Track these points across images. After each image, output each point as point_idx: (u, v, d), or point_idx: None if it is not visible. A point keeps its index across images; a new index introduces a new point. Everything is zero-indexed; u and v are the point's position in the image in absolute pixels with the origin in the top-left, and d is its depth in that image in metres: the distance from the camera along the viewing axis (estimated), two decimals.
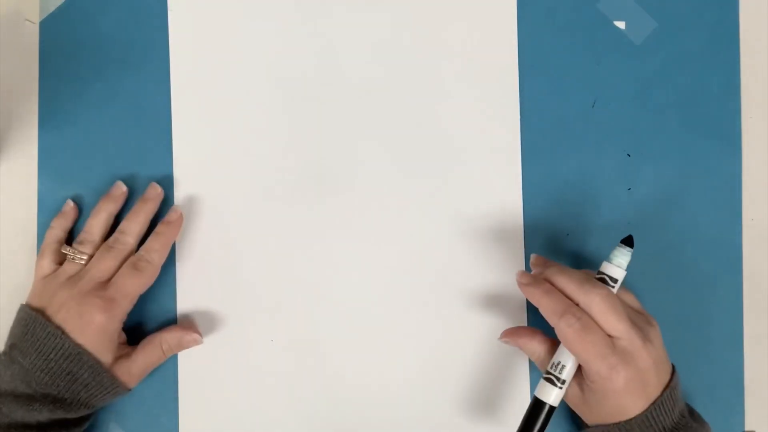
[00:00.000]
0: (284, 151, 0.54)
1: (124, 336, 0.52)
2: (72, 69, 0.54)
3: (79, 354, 0.47)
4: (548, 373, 0.46)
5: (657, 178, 0.54)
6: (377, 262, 0.53)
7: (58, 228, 0.52)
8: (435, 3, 0.54)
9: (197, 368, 0.53)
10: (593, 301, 0.45)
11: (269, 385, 0.53)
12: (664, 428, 0.45)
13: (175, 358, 0.53)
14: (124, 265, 0.50)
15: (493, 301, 0.53)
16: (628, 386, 0.44)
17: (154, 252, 0.51)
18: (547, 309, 0.46)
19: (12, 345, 0.48)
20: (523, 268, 0.54)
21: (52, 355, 0.47)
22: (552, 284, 0.47)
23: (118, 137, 0.53)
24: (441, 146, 0.54)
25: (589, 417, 0.47)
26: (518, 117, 0.54)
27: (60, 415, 0.47)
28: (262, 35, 0.54)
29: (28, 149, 0.54)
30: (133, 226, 0.51)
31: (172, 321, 0.53)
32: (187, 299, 0.53)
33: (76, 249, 0.51)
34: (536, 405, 0.46)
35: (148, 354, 0.51)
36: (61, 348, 0.47)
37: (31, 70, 0.54)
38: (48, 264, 0.51)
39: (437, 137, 0.54)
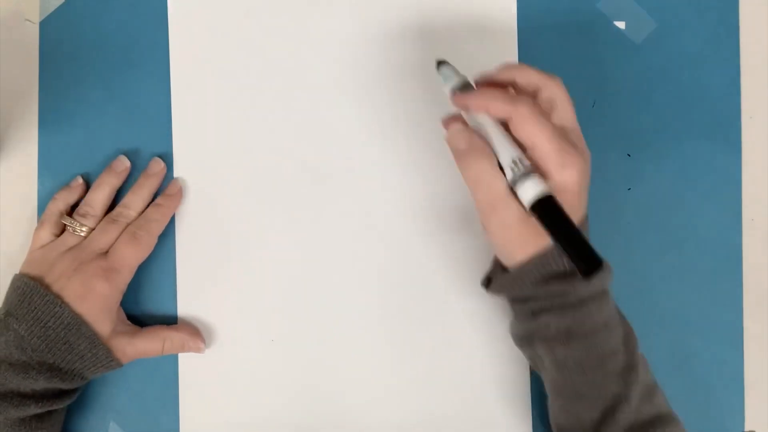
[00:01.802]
0: (284, 151, 0.54)
1: (124, 313, 0.52)
2: (72, 69, 0.54)
3: (77, 324, 0.47)
4: (513, 173, 0.41)
5: (657, 178, 0.54)
6: (377, 262, 0.53)
7: (61, 201, 0.52)
8: (435, 3, 0.54)
9: (197, 368, 0.53)
10: (526, 102, 0.42)
11: (269, 385, 0.53)
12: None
13: (175, 357, 0.53)
14: (123, 234, 0.50)
15: (493, 301, 0.53)
16: (577, 181, 0.42)
17: (154, 222, 0.51)
18: (498, 98, 0.42)
19: (6, 312, 0.48)
20: None
21: (50, 323, 0.47)
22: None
23: (118, 137, 0.53)
24: (441, 146, 0.54)
25: (528, 238, 0.43)
26: None
27: (56, 384, 0.47)
28: (262, 35, 0.54)
29: (28, 149, 0.54)
30: (137, 200, 0.51)
31: (172, 320, 0.53)
32: (187, 299, 0.53)
33: (77, 221, 0.51)
34: (540, 207, 0.40)
35: (148, 343, 0.51)
36: (60, 316, 0.47)
37: (31, 70, 0.54)
38: (46, 234, 0.51)
39: (437, 137, 0.54)
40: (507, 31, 0.54)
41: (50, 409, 0.48)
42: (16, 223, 0.53)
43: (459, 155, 0.44)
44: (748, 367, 0.54)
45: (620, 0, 0.54)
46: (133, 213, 0.51)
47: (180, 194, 0.53)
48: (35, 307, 0.47)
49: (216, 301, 0.53)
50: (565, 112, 0.43)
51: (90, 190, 0.52)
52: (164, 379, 0.53)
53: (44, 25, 0.54)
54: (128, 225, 0.50)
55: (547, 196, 0.40)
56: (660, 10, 0.54)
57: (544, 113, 0.42)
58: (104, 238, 0.50)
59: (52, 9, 0.54)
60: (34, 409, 0.47)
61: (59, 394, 0.48)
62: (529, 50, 0.54)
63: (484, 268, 0.53)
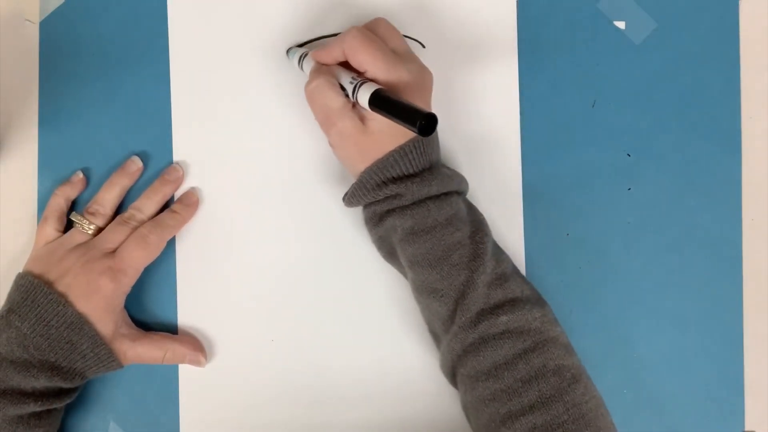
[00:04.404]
0: (285, 151, 0.54)
1: (127, 315, 0.52)
2: (72, 69, 0.54)
3: (80, 323, 0.47)
4: (352, 87, 0.46)
5: (657, 178, 0.54)
6: (377, 261, 0.53)
7: (62, 196, 0.52)
8: (435, 3, 0.54)
9: (197, 368, 0.53)
10: (351, 32, 0.47)
11: (269, 385, 0.53)
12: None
13: None
14: (132, 236, 0.50)
15: None
16: (405, 80, 0.46)
17: (168, 228, 0.51)
18: (330, 43, 0.48)
19: (9, 310, 0.48)
20: (524, 269, 0.54)
21: (53, 322, 0.47)
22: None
23: (118, 137, 0.53)
24: (441, 146, 0.54)
25: (367, 149, 0.47)
26: (518, 117, 0.54)
27: (56, 382, 0.47)
28: (262, 35, 0.54)
29: (28, 149, 0.54)
30: (149, 205, 0.51)
31: (172, 321, 0.53)
32: (188, 299, 0.53)
33: (86, 219, 0.50)
34: (374, 101, 0.44)
35: (149, 350, 0.51)
36: (63, 315, 0.47)
37: (31, 70, 0.54)
38: (50, 230, 0.51)
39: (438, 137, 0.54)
40: (507, 31, 0.54)
41: (49, 407, 0.48)
42: (17, 222, 0.53)
43: (305, 86, 0.48)
44: (748, 367, 0.54)
45: (620, 0, 0.54)
46: (144, 217, 0.51)
47: (196, 205, 0.53)
48: (38, 305, 0.47)
49: (216, 302, 0.53)
50: (394, 40, 0.48)
51: (101, 189, 0.52)
52: (164, 379, 0.53)
53: (44, 25, 0.54)
54: (138, 227, 0.50)
55: (377, 89, 0.44)
56: (660, 10, 0.54)
57: (372, 39, 0.47)
58: (113, 238, 0.50)
59: (52, 9, 0.54)
60: (33, 407, 0.47)
61: (59, 393, 0.48)
62: (530, 50, 0.54)
63: None
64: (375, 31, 0.48)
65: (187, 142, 0.53)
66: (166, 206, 0.53)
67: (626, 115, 0.54)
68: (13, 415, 0.46)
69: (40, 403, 0.47)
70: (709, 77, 0.54)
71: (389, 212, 0.48)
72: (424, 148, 0.47)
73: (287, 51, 0.53)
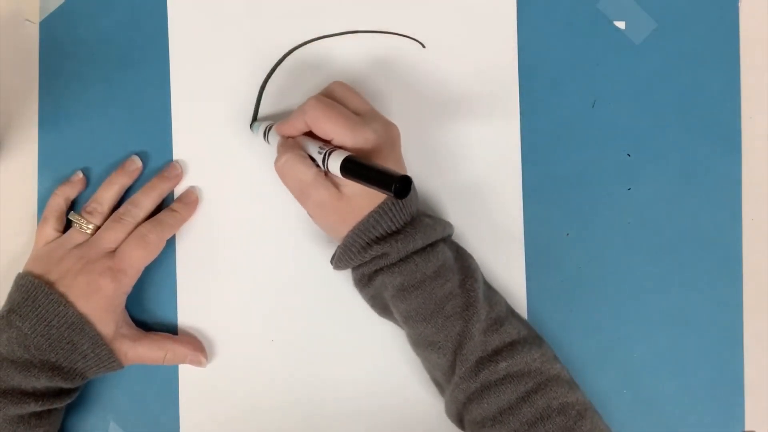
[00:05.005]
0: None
1: (128, 315, 0.52)
2: (72, 69, 0.54)
3: (81, 323, 0.47)
4: (321, 157, 0.45)
5: (657, 178, 0.54)
6: None
7: (62, 196, 0.52)
8: (435, 3, 0.54)
9: (197, 368, 0.53)
10: (312, 102, 0.47)
11: (269, 385, 0.53)
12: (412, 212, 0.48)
13: None
14: (132, 236, 0.50)
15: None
16: (372, 141, 0.46)
17: (167, 227, 0.51)
18: (292, 116, 0.48)
19: (10, 310, 0.48)
20: (523, 269, 0.54)
21: (54, 322, 0.47)
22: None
23: (118, 137, 0.53)
24: (441, 146, 0.54)
25: (346, 214, 0.47)
26: (518, 117, 0.54)
27: (57, 383, 0.47)
28: (262, 35, 0.54)
29: (28, 149, 0.54)
30: (146, 200, 0.51)
31: (172, 321, 0.53)
32: (188, 299, 0.53)
33: (84, 218, 0.50)
34: (345, 168, 0.43)
35: (150, 351, 0.51)
36: (64, 316, 0.47)
37: (31, 70, 0.54)
38: (50, 230, 0.51)
39: (437, 137, 0.54)
40: (507, 31, 0.54)
41: (50, 407, 0.48)
42: (17, 222, 0.53)
43: (275, 163, 0.48)
44: (748, 367, 0.54)
45: (620, 0, 0.54)
46: (141, 213, 0.51)
47: (196, 204, 0.53)
48: (39, 306, 0.47)
49: (216, 302, 0.53)
50: (353, 102, 0.48)
51: (100, 188, 0.52)
52: (164, 379, 0.53)
53: (44, 25, 0.54)
54: (137, 226, 0.50)
55: (347, 156, 0.44)
56: (660, 10, 0.54)
57: (332, 106, 0.46)
58: (112, 236, 0.49)
59: (52, 9, 0.54)
60: (33, 407, 0.47)
61: (60, 393, 0.48)
62: (529, 50, 0.54)
63: (484, 268, 0.53)
64: (333, 95, 0.49)
65: (187, 142, 0.53)
66: (166, 206, 0.53)
67: (626, 115, 0.54)
68: (14, 414, 0.46)
69: (40, 403, 0.47)
70: (709, 77, 0.54)
71: (377, 272, 0.48)
72: (402, 204, 0.47)
73: (251, 125, 0.53)
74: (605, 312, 0.54)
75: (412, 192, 0.48)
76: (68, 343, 0.47)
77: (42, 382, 0.47)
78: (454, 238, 0.52)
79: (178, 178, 0.53)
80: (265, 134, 0.51)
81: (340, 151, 0.44)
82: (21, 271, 0.50)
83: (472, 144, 0.54)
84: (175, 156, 0.53)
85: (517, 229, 0.54)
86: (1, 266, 0.53)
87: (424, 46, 0.54)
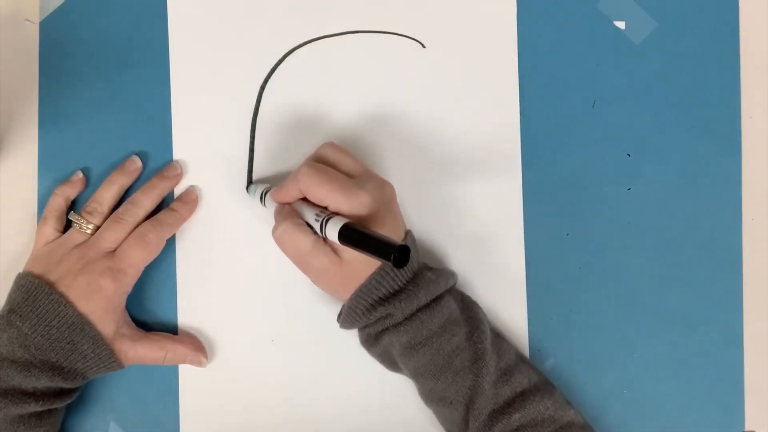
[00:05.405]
0: (285, 151, 0.54)
1: (128, 315, 0.52)
2: (72, 69, 0.54)
3: (82, 324, 0.47)
4: (318, 224, 0.45)
5: (657, 178, 0.54)
6: None
7: (62, 196, 0.52)
8: (435, 3, 0.54)
9: (197, 368, 0.53)
10: (306, 167, 0.46)
11: (269, 385, 0.53)
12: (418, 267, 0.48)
13: None
14: (132, 236, 0.49)
15: (493, 302, 0.53)
16: (367, 205, 0.45)
17: (167, 226, 0.51)
18: (286, 183, 0.47)
19: (10, 310, 0.48)
20: (523, 269, 0.54)
21: (54, 322, 0.47)
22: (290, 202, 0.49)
23: (118, 137, 0.53)
24: (441, 146, 0.54)
25: (348, 278, 0.47)
26: (518, 117, 0.54)
27: (58, 382, 0.47)
28: (262, 35, 0.54)
29: (28, 149, 0.54)
30: (146, 200, 0.51)
31: (172, 321, 0.53)
32: (188, 299, 0.53)
33: (84, 218, 0.50)
34: (344, 235, 0.43)
35: (150, 351, 0.51)
36: (64, 316, 0.47)
37: (31, 70, 0.54)
38: (50, 230, 0.51)
39: (438, 137, 0.54)
40: (507, 32, 0.54)
41: (50, 407, 0.48)
42: (17, 222, 0.53)
43: (273, 232, 0.47)
44: (748, 367, 0.54)
45: (620, 0, 0.54)
46: (141, 212, 0.51)
47: (196, 203, 0.53)
48: (40, 306, 0.47)
49: (216, 302, 0.53)
50: (346, 164, 0.48)
51: (99, 187, 0.52)
52: (164, 379, 0.53)
53: (44, 25, 0.54)
54: (136, 225, 0.50)
55: (344, 224, 0.43)
56: (660, 10, 0.54)
57: (325, 171, 0.46)
58: (111, 236, 0.49)
59: (52, 9, 0.54)
60: (34, 407, 0.47)
61: (60, 393, 0.48)
62: (529, 50, 0.54)
63: (484, 268, 0.53)
64: (325, 159, 0.48)
65: (187, 142, 0.53)
66: (166, 206, 0.53)
67: (626, 115, 0.54)
68: (15, 414, 0.46)
69: (41, 402, 0.47)
70: (709, 77, 0.54)
71: (383, 332, 0.48)
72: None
73: (247, 188, 0.53)
74: (605, 312, 0.54)
75: (412, 250, 0.47)
76: (68, 343, 0.47)
77: (42, 382, 0.47)
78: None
79: (178, 177, 0.53)
80: (262, 198, 0.51)
81: (338, 217, 0.44)
82: (21, 271, 0.50)
83: (472, 144, 0.54)
84: (175, 156, 0.53)
85: (518, 229, 0.54)
86: (1, 266, 0.53)
87: (424, 46, 0.54)
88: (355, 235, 0.42)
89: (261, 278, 0.53)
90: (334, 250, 0.46)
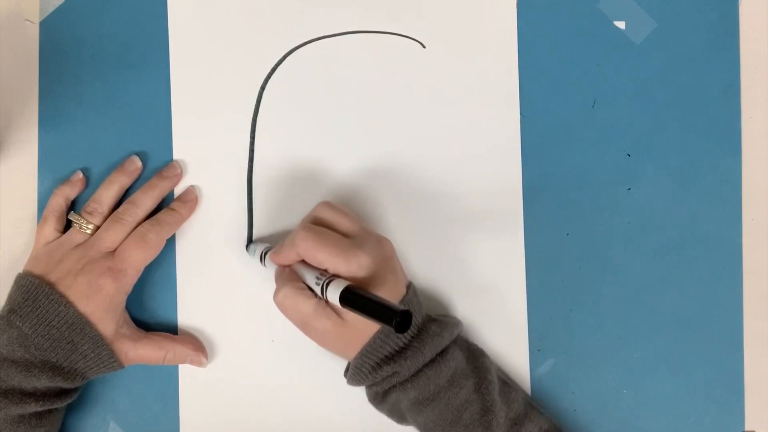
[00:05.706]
0: (285, 151, 0.54)
1: (128, 315, 0.52)
2: (72, 69, 0.54)
3: (82, 324, 0.47)
4: (319, 288, 0.45)
5: (657, 178, 0.54)
6: None
7: (62, 196, 0.52)
8: (435, 3, 0.54)
9: (197, 368, 0.53)
10: (303, 230, 0.47)
11: (269, 385, 0.53)
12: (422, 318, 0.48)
13: None
14: (132, 235, 0.49)
15: (493, 302, 0.53)
16: (366, 266, 0.45)
17: (166, 226, 0.51)
18: (282, 248, 0.48)
19: (10, 310, 0.48)
20: (523, 268, 0.54)
21: (54, 323, 0.47)
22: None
23: (118, 137, 0.53)
24: (441, 146, 0.54)
25: (352, 339, 0.47)
26: (518, 117, 0.54)
27: (58, 383, 0.47)
28: (262, 35, 0.54)
29: (28, 149, 0.54)
30: (146, 200, 0.51)
31: (172, 321, 0.53)
32: (188, 299, 0.53)
33: (84, 218, 0.50)
34: (345, 299, 0.43)
35: (150, 351, 0.51)
36: (64, 316, 0.47)
37: (31, 70, 0.54)
38: (50, 230, 0.51)
39: (438, 137, 0.54)
40: (507, 32, 0.54)
41: (51, 407, 0.48)
42: (17, 223, 0.53)
43: (274, 297, 0.47)
44: (748, 367, 0.54)
45: (620, 0, 0.54)
46: (140, 212, 0.51)
47: (195, 202, 0.53)
48: (40, 306, 0.47)
49: (216, 302, 0.53)
50: (342, 224, 0.48)
51: (99, 187, 0.52)
52: (164, 379, 0.53)
53: (44, 25, 0.54)
54: (136, 225, 0.50)
55: (345, 287, 0.43)
56: (660, 10, 0.54)
57: (322, 234, 0.46)
58: (111, 236, 0.49)
59: (52, 9, 0.54)
60: (34, 407, 0.47)
61: (60, 393, 0.48)
62: (529, 50, 0.54)
63: (484, 268, 0.53)
64: (321, 220, 0.48)
65: (187, 142, 0.54)
66: (165, 206, 0.52)
67: (626, 115, 0.54)
68: (15, 414, 0.46)
69: (41, 403, 0.47)
70: (709, 77, 0.54)
71: (391, 389, 0.48)
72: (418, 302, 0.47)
73: (247, 247, 0.53)
74: (605, 312, 0.54)
75: (415, 300, 0.48)
76: (69, 343, 0.47)
77: (42, 383, 0.47)
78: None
79: (178, 177, 0.53)
80: (262, 258, 0.51)
81: (338, 280, 0.44)
82: (21, 271, 0.50)
83: (472, 144, 0.54)
84: (175, 156, 0.53)
85: (518, 229, 0.54)
86: (1, 266, 0.53)
87: (424, 46, 0.54)
88: (357, 299, 0.42)
89: (261, 278, 0.53)
90: (336, 312, 0.46)
